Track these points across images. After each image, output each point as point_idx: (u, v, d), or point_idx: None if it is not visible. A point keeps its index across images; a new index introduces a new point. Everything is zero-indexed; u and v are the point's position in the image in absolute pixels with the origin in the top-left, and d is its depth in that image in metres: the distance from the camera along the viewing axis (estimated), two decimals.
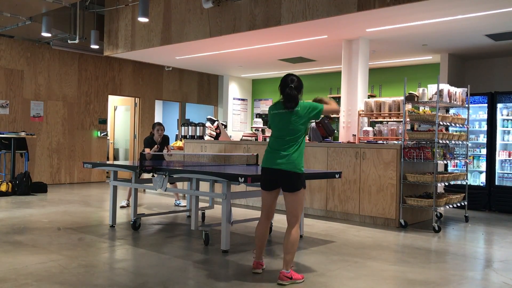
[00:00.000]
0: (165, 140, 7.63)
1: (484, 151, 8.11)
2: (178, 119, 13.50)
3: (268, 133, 9.05)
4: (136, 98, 12.20)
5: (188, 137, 9.16)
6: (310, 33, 7.63)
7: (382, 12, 6.28)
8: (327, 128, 7.77)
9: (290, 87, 3.75)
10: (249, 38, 8.14)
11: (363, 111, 7.84)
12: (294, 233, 3.73)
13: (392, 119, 8.03)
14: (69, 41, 9.74)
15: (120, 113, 12.89)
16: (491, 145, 8.03)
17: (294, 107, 3.76)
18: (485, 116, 8.15)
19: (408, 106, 6.92)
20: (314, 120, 7.86)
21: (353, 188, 6.57)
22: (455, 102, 6.60)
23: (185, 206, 7.64)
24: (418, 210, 6.57)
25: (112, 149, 12.77)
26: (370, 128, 7.58)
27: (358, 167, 6.51)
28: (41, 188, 9.02)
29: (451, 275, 4.06)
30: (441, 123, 6.16)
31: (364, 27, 7.21)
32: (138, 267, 4.12)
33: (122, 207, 7.36)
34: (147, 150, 7.33)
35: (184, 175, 4.96)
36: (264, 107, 13.13)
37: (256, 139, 8.81)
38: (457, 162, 7.90)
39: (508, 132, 8.03)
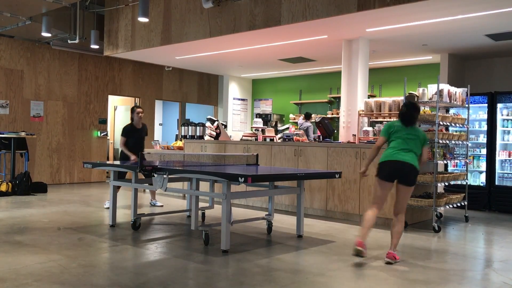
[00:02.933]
0: (144, 128, 7.33)
1: (484, 151, 8.11)
2: (178, 119, 13.50)
3: (268, 133, 9.06)
4: (136, 98, 12.20)
5: (188, 137, 9.16)
6: (310, 33, 7.63)
7: (382, 12, 6.28)
8: (327, 128, 7.77)
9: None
10: (249, 38, 8.14)
11: (363, 111, 7.84)
12: (402, 221, 4.54)
13: (392, 119, 8.03)
14: (69, 41, 9.74)
15: (120, 113, 12.90)
16: (491, 145, 8.03)
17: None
18: (485, 116, 8.15)
19: None
20: (316, 120, 7.88)
21: (353, 188, 6.57)
22: (455, 102, 6.60)
23: (162, 205, 7.55)
24: (418, 210, 6.57)
25: (112, 149, 12.78)
26: (370, 128, 7.58)
27: (358, 167, 6.51)
28: (41, 188, 9.02)
29: (451, 275, 4.06)
30: (441, 123, 6.16)
31: (364, 27, 7.21)
32: (138, 267, 4.12)
33: (108, 208, 6.91)
34: (122, 140, 7.02)
35: (184, 175, 4.96)
36: (264, 107, 13.13)
37: (256, 139, 8.80)
38: (457, 162, 7.90)
39: (508, 132, 8.03)
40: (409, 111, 4.71)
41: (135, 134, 7.15)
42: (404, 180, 4.51)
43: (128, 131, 7.12)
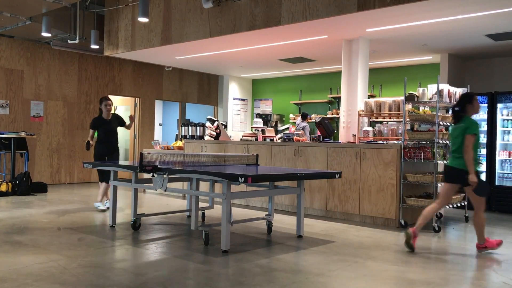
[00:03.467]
0: (117, 119, 7.24)
1: (484, 151, 8.11)
2: (178, 119, 13.50)
3: (268, 133, 9.07)
4: (136, 98, 12.20)
5: (188, 137, 9.16)
6: (310, 33, 7.63)
7: (382, 12, 6.29)
8: (327, 128, 7.77)
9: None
10: (249, 38, 8.14)
11: (363, 111, 7.84)
12: (475, 216, 4.90)
13: (392, 119, 8.03)
14: (69, 41, 9.74)
15: (120, 113, 12.87)
16: (491, 145, 8.03)
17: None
18: (485, 116, 8.15)
19: (408, 106, 6.92)
20: (316, 120, 7.88)
21: (353, 188, 6.57)
22: (455, 102, 6.59)
23: (107, 209, 6.90)
24: (418, 210, 6.55)
25: None
26: (370, 128, 7.58)
27: (358, 167, 6.51)
28: (41, 188, 9.02)
29: (451, 275, 4.06)
30: (441, 123, 6.16)
31: (364, 27, 7.21)
32: (138, 267, 4.12)
33: (103, 210, 6.94)
34: (90, 133, 7.02)
35: (184, 175, 4.96)
36: (264, 107, 13.13)
37: (256, 139, 8.80)
38: None
39: (508, 132, 8.03)
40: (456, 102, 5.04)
41: (104, 126, 7.08)
42: (458, 182, 4.90)
43: (94, 124, 7.09)
